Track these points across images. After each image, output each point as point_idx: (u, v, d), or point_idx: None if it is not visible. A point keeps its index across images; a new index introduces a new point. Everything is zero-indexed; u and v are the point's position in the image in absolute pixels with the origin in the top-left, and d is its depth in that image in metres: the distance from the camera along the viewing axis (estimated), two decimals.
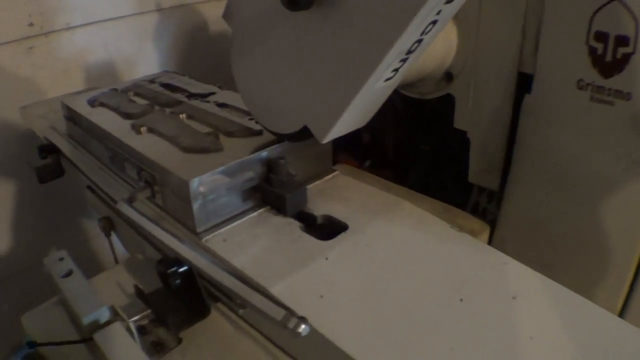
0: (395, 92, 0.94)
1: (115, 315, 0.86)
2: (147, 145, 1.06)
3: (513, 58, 1.08)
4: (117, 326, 0.84)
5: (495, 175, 1.18)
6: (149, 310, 0.89)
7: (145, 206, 1.03)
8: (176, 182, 0.93)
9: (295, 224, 0.95)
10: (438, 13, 0.74)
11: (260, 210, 0.99)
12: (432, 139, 1.45)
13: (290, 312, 0.68)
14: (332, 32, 0.79)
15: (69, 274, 0.93)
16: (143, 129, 1.12)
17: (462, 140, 1.22)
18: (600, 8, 0.95)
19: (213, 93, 1.35)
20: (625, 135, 0.97)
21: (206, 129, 1.11)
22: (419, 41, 0.78)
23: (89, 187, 1.30)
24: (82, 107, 1.30)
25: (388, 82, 0.84)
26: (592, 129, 1.01)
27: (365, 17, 0.75)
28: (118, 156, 1.12)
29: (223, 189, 0.95)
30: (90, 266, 1.68)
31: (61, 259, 0.97)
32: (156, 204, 1.04)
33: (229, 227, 0.94)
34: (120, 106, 1.27)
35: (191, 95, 1.34)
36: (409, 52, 0.78)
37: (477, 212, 1.30)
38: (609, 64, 0.96)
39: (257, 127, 1.04)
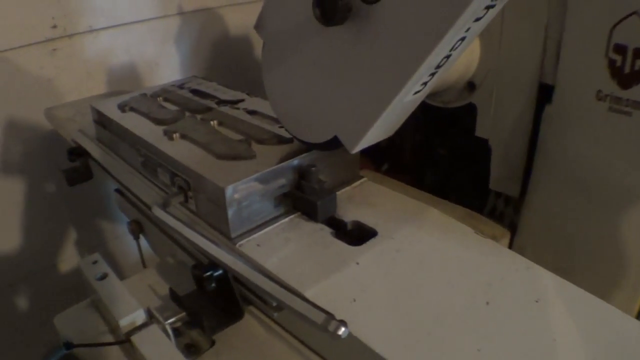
0: None
1: (151, 318, 0.88)
2: (181, 151, 1.07)
3: (534, 69, 1.10)
4: (154, 328, 0.86)
5: (516, 183, 1.20)
6: (183, 313, 0.91)
7: (177, 211, 1.04)
8: (212, 188, 0.95)
9: (326, 230, 0.97)
10: (467, 30, 0.77)
11: (291, 216, 1.00)
12: (449, 143, 1.48)
13: (329, 315, 0.71)
14: (365, 46, 0.81)
15: (104, 276, 0.95)
16: (176, 135, 1.13)
17: (479, 145, 1.24)
18: (619, 22, 0.97)
19: (242, 100, 1.36)
20: None
21: (238, 136, 1.12)
22: (448, 56, 0.81)
23: (117, 191, 1.32)
24: (112, 112, 1.32)
25: (417, 94, 0.86)
26: (610, 139, 1.03)
27: (397, 34, 0.77)
28: (151, 161, 1.14)
29: (257, 195, 0.96)
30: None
31: (95, 262, 0.99)
32: (189, 208, 1.05)
33: (262, 232, 0.96)
34: (151, 112, 1.28)
35: (220, 102, 1.35)
36: (438, 66, 0.81)
37: (495, 216, 1.32)
38: (627, 75, 0.98)
39: (288, 135, 1.04)
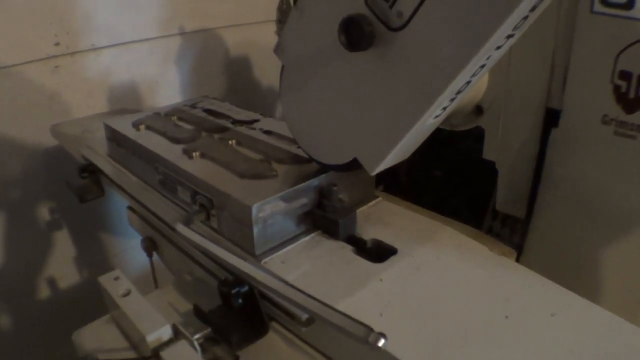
0: None
1: (177, 334, 0.90)
2: (202, 169, 1.10)
3: (541, 94, 1.13)
4: (183, 344, 0.88)
5: (522, 205, 1.22)
6: (207, 329, 0.92)
7: (199, 229, 1.06)
8: (237, 206, 0.98)
9: (347, 248, 1.00)
10: (488, 58, 0.80)
11: (312, 234, 1.04)
12: (444, 164, 1.50)
13: (368, 327, 0.73)
14: (388, 71, 0.84)
15: (128, 293, 0.97)
16: (195, 154, 1.16)
17: (475, 167, 1.27)
18: (624, 49, 1.00)
19: (257, 120, 1.39)
20: None
21: (257, 156, 1.15)
22: (468, 82, 0.83)
23: (130, 208, 1.33)
24: (127, 130, 1.34)
25: (437, 118, 0.89)
26: (615, 162, 1.06)
27: (422, 60, 0.80)
28: (170, 179, 1.16)
29: (280, 213, 0.99)
30: None
31: (116, 278, 1.00)
32: (210, 226, 1.07)
33: (285, 250, 0.99)
34: (167, 130, 1.31)
35: (236, 122, 1.38)
36: (459, 91, 0.84)
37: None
38: (632, 100, 1.01)
39: (306, 155, 1.06)
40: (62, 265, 1.93)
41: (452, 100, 0.86)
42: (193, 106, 1.54)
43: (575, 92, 1.08)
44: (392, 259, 0.97)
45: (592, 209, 1.10)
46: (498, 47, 0.79)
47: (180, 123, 1.40)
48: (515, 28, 0.77)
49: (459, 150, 1.35)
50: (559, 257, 1.16)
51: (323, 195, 1.04)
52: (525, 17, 0.77)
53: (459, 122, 1.28)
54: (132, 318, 0.91)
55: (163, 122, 1.39)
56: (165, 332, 0.89)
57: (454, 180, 1.50)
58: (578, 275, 1.13)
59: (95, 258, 2.01)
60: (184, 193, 1.12)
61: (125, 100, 1.91)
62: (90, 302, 1.12)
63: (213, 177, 1.06)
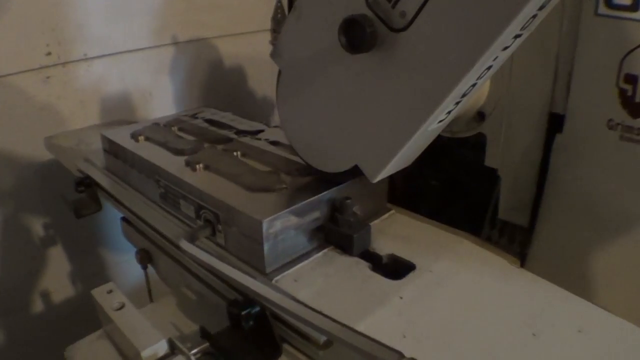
0: None
1: (173, 349, 0.87)
2: (207, 183, 1.06)
3: (545, 99, 1.10)
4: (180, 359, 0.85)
5: (525, 212, 1.20)
6: (205, 344, 0.88)
7: (204, 245, 1.02)
8: (246, 222, 0.94)
9: (363, 264, 0.96)
10: (495, 59, 0.77)
11: (324, 250, 1.00)
12: (441, 173, 1.48)
13: (397, 352, 0.69)
14: (391, 74, 0.82)
15: (121, 306, 0.94)
16: (199, 166, 1.11)
17: (472, 174, 1.24)
18: (629, 52, 0.98)
19: (261, 130, 1.34)
20: None
21: (264, 168, 1.11)
22: (474, 84, 0.81)
23: (124, 219, 1.30)
24: (125, 141, 1.30)
25: (440, 123, 0.87)
26: (621, 168, 1.04)
27: (426, 62, 0.78)
28: (172, 193, 1.12)
29: (292, 229, 0.95)
30: None
31: (110, 292, 0.97)
32: (216, 242, 1.03)
33: (297, 267, 0.96)
34: (168, 141, 1.26)
35: (239, 132, 1.33)
36: (464, 95, 0.82)
37: None
38: (638, 104, 0.99)
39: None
40: (56, 278, 1.91)
41: (457, 103, 0.84)
42: (194, 116, 1.51)
43: (580, 97, 1.06)
44: (411, 275, 0.93)
45: (598, 217, 1.08)
46: (505, 48, 0.77)
47: (181, 134, 1.36)
48: (523, 27, 0.75)
49: (456, 159, 1.33)
50: (564, 266, 1.14)
51: (336, 209, 1.01)
52: (534, 16, 0.74)
53: (460, 129, 1.26)
54: (126, 333, 0.89)
55: (163, 133, 1.35)
56: (161, 347, 0.86)
57: (451, 189, 1.48)
58: (584, 284, 1.11)
59: (90, 271, 1.98)
60: (188, 207, 1.08)
61: (118, 110, 1.89)
62: (85, 316, 1.09)
63: (219, 191, 1.02)
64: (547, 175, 1.14)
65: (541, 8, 0.74)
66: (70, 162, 1.50)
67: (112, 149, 1.34)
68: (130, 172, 1.27)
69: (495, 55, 0.76)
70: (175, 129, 1.38)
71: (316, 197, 0.98)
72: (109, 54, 1.84)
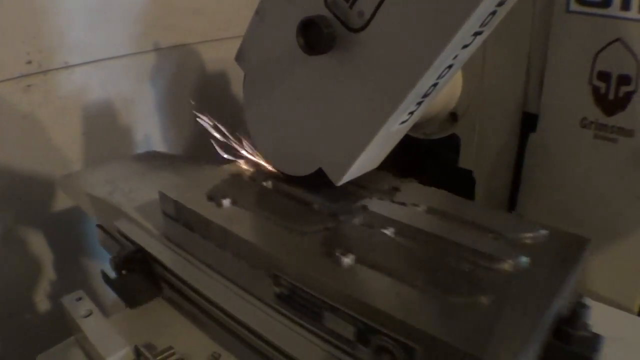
0: None
1: (139, 356, 0.86)
2: (371, 289, 0.73)
3: (517, 98, 1.10)
4: None
5: None
6: (171, 350, 0.86)
7: None
8: None
9: None
10: (455, 57, 0.76)
11: None
12: (428, 177, 1.47)
13: None
14: (350, 76, 0.80)
15: (89, 314, 0.93)
16: (347, 259, 0.75)
17: (457, 177, 1.23)
18: (602, 49, 0.98)
19: (396, 189, 0.97)
20: (628, 171, 1.00)
21: (433, 254, 0.78)
22: (435, 84, 0.80)
23: (99, 226, 1.26)
24: (203, 206, 0.95)
25: (403, 124, 0.85)
26: (596, 166, 1.03)
27: (384, 62, 0.76)
28: (304, 298, 0.76)
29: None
30: None
31: (79, 299, 0.96)
32: None
33: None
34: (275, 211, 0.92)
35: (361, 189, 0.98)
36: (425, 95, 0.80)
37: None
38: (611, 102, 0.98)
39: (521, 256, 0.74)
40: (43, 287, 1.89)
41: (419, 104, 0.82)
42: None
43: (553, 95, 1.05)
44: None
45: (574, 215, 1.07)
46: (465, 46, 0.76)
47: (280, 191, 1.00)
48: (483, 25, 0.74)
49: (443, 162, 1.32)
50: None
51: (567, 321, 0.71)
52: (494, 12, 0.73)
53: (433, 130, 1.25)
54: (92, 340, 0.87)
55: (256, 193, 1.00)
56: (126, 354, 0.85)
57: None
58: None
59: (76, 278, 1.97)
60: (338, 324, 0.72)
61: (101, 118, 1.87)
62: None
63: (399, 306, 0.67)
64: (521, 175, 1.13)
65: (500, 4, 0.72)
66: (105, 218, 1.20)
67: (182, 217, 0.98)
68: (213, 252, 0.92)
69: (455, 53, 0.75)
70: (269, 184, 1.01)
71: (546, 311, 0.67)
72: (90, 62, 1.83)
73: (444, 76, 0.79)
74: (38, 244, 1.83)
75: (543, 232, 0.82)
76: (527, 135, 1.10)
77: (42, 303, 1.89)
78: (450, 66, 0.78)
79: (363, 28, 0.77)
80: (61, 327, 1.01)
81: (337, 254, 0.75)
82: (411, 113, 0.83)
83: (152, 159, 1.43)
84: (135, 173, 1.25)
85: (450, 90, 1.17)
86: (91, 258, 1.96)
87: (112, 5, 1.82)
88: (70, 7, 1.72)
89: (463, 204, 0.90)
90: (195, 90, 2.13)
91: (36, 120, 1.75)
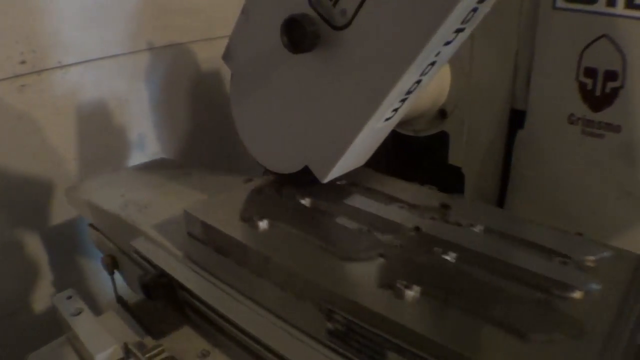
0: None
1: (128, 353, 0.86)
2: (433, 322, 0.66)
3: (505, 95, 1.10)
4: None
5: None
6: (160, 347, 0.86)
7: None
8: None
9: None
10: (437, 54, 0.77)
11: None
12: (423, 175, 1.47)
13: None
14: (334, 73, 0.81)
15: (79, 312, 0.93)
16: (411, 292, 0.68)
17: (454, 175, 1.24)
18: (589, 45, 0.98)
19: (447, 206, 0.91)
20: (616, 166, 1.00)
21: (505, 285, 0.71)
22: (419, 81, 0.80)
23: (91, 225, 1.26)
24: (235, 228, 0.87)
25: (388, 121, 0.86)
26: (584, 162, 1.03)
27: (367, 60, 0.77)
28: (362, 335, 0.67)
29: None
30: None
31: (69, 298, 0.97)
32: None
33: None
34: (318, 233, 0.84)
35: (411, 207, 0.91)
36: (409, 92, 0.81)
37: None
38: (598, 98, 0.99)
39: (592, 282, 0.70)
40: (38, 287, 1.89)
41: (403, 101, 0.83)
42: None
43: (540, 92, 1.06)
44: None
45: (563, 211, 1.08)
46: (448, 43, 0.76)
47: (320, 210, 0.93)
48: (464, 22, 0.74)
49: (437, 159, 1.32)
50: None
51: None
52: (475, 10, 0.74)
53: (422, 128, 1.26)
54: (82, 337, 0.88)
55: (294, 212, 0.93)
56: (115, 352, 0.85)
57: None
58: None
59: (71, 279, 1.97)
60: None
61: (96, 118, 1.87)
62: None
63: (473, 345, 0.62)
64: (510, 171, 1.13)
65: (481, 1, 0.73)
66: (119, 236, 1.13)
67: (212, 240, 0.89)
68: (251, 280, 0.83)
69: (437, 50, 0.75)
70: (306, 202, 0.95)
71: (631, 345, 0.64)
72: (84, 61, 1.83)
73: (427, 73, 0.80)
74: (32, 244, 1.83)
75: (607, 253, 0.77)
76: (515, 132, 1.11)
77: (37, 303, 1.89)
78: (432, 63, 0.78)
79: (346, 26, 0.77)
80: (55, 327, 1.01)
81: (400, 285, 0.68)
82: (395, 110, 0.84)
83: (163, 168, 1.34)
84: (148, 185, 1.19)
85: (438, 87, 1.17)
86: (86, 257, 1.96)
87: (105, 5, 1.82)
88: (63, 6, 1.72)
89: (519, 222, 0.86)
90: (190, 89, 2.13)
91: (31, 120, 1.75)
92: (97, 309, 1.03)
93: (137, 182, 1.22)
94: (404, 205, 0.91)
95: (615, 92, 0.97)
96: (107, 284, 1.65)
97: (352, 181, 0.99)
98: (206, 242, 0.90)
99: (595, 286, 0.68)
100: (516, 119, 1.11)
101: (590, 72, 0.99)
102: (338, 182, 0.99)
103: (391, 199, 0.93)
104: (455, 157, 1.21)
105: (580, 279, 0.70)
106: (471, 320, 0.64)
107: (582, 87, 1.00)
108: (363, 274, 0.74)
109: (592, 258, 0.75)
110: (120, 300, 0.93)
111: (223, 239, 0.86)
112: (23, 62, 1.70)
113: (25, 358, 0.98)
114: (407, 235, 0.82)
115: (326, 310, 0.70)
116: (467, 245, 0.78)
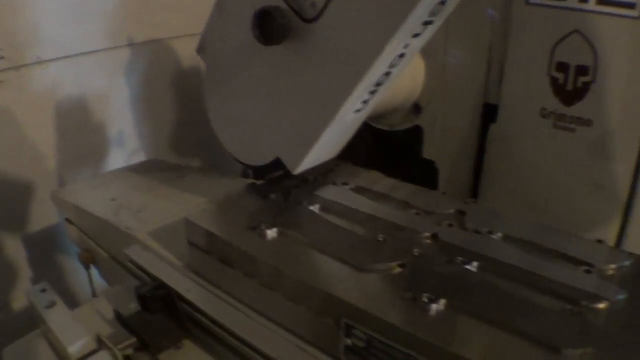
0: (365, 124, 0.97)
1: (100, 344, 0.85)
2: (460, 337, 0.62)
3: (478, 89, 1.11)
4: (104, 354, 0.83)
5: None
6: (133, 339, 0.86)
7: None
8: None
9: None
10: (406, 46, 0.77)
11: None
12: (401, 170, 1.48)
13: None
14: (304, 65, 0.82)
15: (52, 304, 0.93)
16: (436, 306, 0.64)
17: (431, 170, 1.24)
18: (560, 40, 0.99)
19: (462, 212, 0.86)
20: (587, 159, 1.01)
21: (531, 295, 0.68)
22: (388, 73, 0.81)
23: (67, 220, 1.26)
24: (243, 238, 0.81)
25: (358, 113, 0.86)
26: (556, 155, 1.04)
27: (336, 51, 0.78)
28: (385, 352, 0.63)
29: None
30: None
31: (43, 290, 0.96)
32: None
33: None
34: (332, 240, 0.80)
35: (424, 213, 0.87)
36: (378, 83, 0.81)
37: None
38: (570, 92, 1.00)
39: (618, 292, 0.67)
40: (17, 285, 1.89)
41: (373, 93, 0.83)
42: (329, 180, 0.99)
43: (513, 86, 1.07)
44: None
45: (535, 204, 1.09)
46: (416, 35, 0.76)
47: (331, 217, 0.87)
48: (432, 14, 0.74)
49: (415, 155, 1.33)
50: None
51: None
52: (443, 2, 0.74)
53: (397, 122, 1.26)
54: (54, 329, 0.88)
55: (304, 219, 0.87)
56: (89, 343, 0.85)
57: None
58: None
59: (51, 275, 1.97)
60: None
61: (76, 114, 1.86)
62: None
63: None
64: (483, 164, 1.14)
65: None
66: (113, 245, 1.09)
67: (217, 250, 0.85)
68: (260, 293, 0.78)
69: (405, 42, 0.76)
70: (316, 208, 0.89)
71: None
72: (64, 57, 1.82)
73: (396, 65, 0.80)
74: (10, 240, 1.82)
75: (627, 261, 0.74)
76: (488, 126, 1.12)
77: (16, 302, 1.88)
78: (401, 55, 0.79)
79: (316, 18, 0.78)
80: (34, 324, 1.01)
81: (424, 299, 0.64)
82: (365, 102, 0.84)
83: (155, 169, 1.31)
84: (140, 188, 1.15)
85: (413, 81, 1.18)
86: (65, 255, 1.95)
87: (85, 0, 1.81)
88: (43, 1, 1.71)
89: (538, 228, 0.82)
90: (171, 85, 2.12)
91: (9, 117, 1.73)
92: (75, 305, 1.02)
93: (128, 184, 1.19)
94: (419, 211, 0.87)
95: (586, 86, 0.98)
96: (86, 281, 1.64)
97: (362, 185, 0.96)
98: (209, 251, 0.86)
99: (621, 296, 0.66)
100: (489, 113, 1.12)
101: (562, 67, 1.00)
102: (348, 187, 0.96)
103: (405, 205, 0.90)
104: (429, 151, 1.22)
105: (608, 289, 0.67)
106: (501, 335, 0.60)
107: (554, 81, 1.01)
108: (384, 286, 0.70)
109: (613, 266, 0.73)
110: (116, 314, 0.92)
111: (229, 249, 0.81)
112: (1, 58, 1.69)
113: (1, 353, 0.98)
114: (424, 243, 0.79)
115: (345, 325, 0.66)
116: (489, 254, 0.75)
